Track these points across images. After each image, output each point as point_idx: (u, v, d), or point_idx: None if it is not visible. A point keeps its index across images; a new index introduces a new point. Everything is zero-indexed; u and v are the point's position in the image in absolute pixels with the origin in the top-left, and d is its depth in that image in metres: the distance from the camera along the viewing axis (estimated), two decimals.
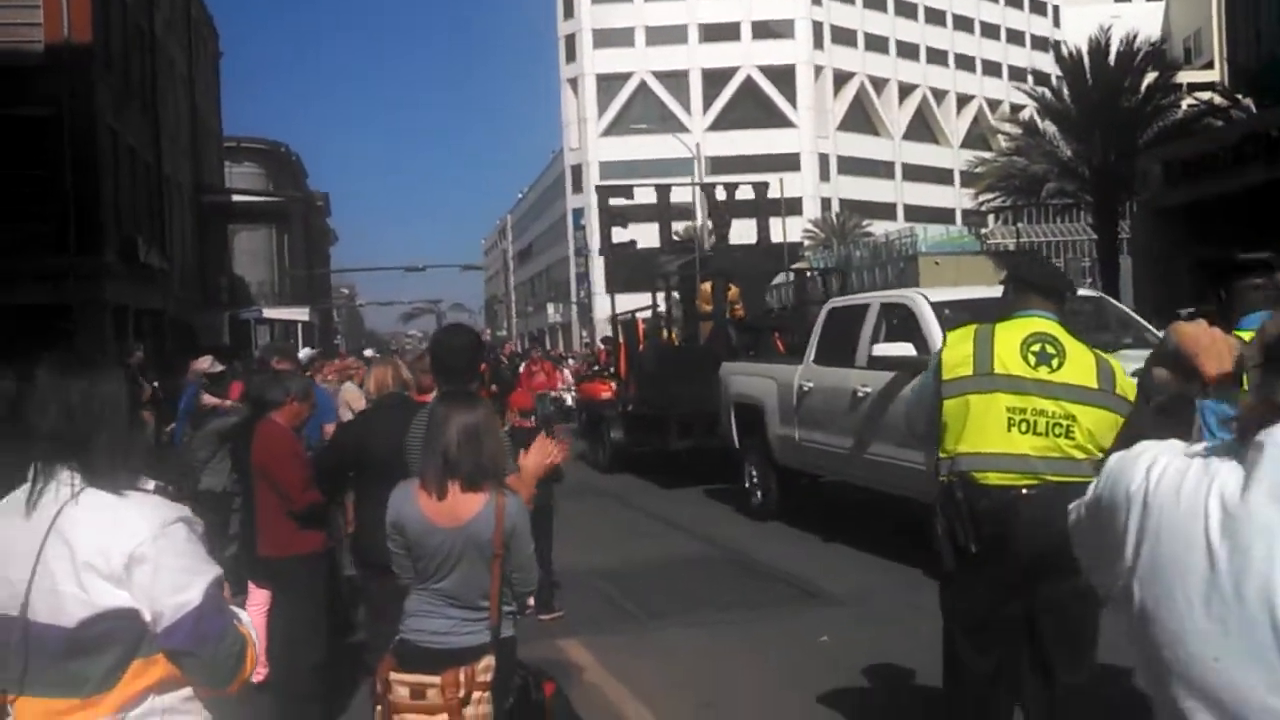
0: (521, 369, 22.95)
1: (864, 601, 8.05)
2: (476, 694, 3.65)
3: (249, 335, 39.89)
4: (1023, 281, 3.96)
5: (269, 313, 43.59)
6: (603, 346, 25.62)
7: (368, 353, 22.78)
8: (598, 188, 19.82)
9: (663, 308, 17.29)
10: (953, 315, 7.79)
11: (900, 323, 8.88)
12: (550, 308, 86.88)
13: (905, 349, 8.12)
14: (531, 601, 7.85)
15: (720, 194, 19.29)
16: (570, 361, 34.77)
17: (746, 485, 11.74)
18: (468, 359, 4.50)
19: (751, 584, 9.01)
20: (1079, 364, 3.80)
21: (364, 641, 5.72)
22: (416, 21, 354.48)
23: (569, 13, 79.54)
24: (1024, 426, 3.72)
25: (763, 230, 18.85)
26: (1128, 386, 3.82)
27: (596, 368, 24.20)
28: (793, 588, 8.74)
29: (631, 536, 11.33)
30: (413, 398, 5.31)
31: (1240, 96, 29.06)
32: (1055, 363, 3.77)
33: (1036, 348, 3.78)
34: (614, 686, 6.36)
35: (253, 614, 4.36)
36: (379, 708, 3.78)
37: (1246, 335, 3.99)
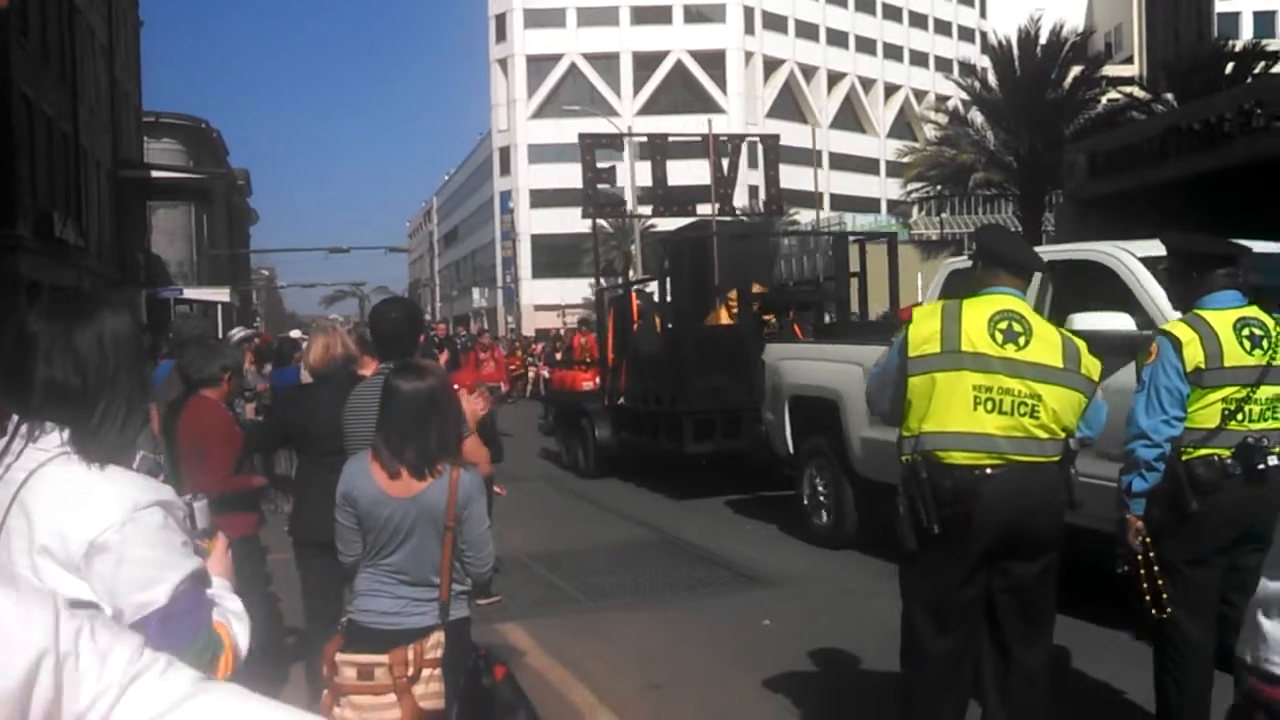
0: (468, 355, 21.30)
1: (804, 584, 8.08)
2: (426, 671, 3.58)
3: (167, 315, 38.95)
4: (992, 257, 3.92)
5: (188, 292, 42.60)
6: (578, 329, 23.80)
7: (293, 333, 22.29)
8: (581, 136, 16.75)
9: (643, 288, 15.33)
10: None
11: (1079, 288, 6.58)
12: (476, 292, 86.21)
13: (1121, 321, 5.83)
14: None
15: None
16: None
17: (805, 502, 9.55)
18: (407, 330, 4.43)
19: (691, 567, 8.96)
20: (1045, 343, 3.77)
21: (298, 625, 5.55)
22: None
23: None
24: (989, 405, 3.68)
25: (773, 188, 16.59)
26: (1092, 366, 3.81)
27: (556, 355, 23.27)
28: (732, 571, 8.71)
29: (568, 521, 11.23)
30: (356, 371, 5.15)
31: (1159, 91, 29.69)
32: (1022, 340, 3.73)
33: (1004, 325, 3.74)
34: (557, 670, 6.27)
35: None
36: (326, 690, 3.66)
37: (1211, 312, 4.02)
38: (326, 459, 4.60)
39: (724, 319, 12.62)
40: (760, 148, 17.19)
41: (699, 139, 16.99)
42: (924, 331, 3.80)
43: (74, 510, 1.86)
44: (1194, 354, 3.94)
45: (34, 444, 1.90)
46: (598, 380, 15.01)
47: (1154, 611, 4.02)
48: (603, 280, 17.69)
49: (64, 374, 1.92)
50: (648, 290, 15.49)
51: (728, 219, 16.16)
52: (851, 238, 14.27)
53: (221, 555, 2.23)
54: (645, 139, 17.94)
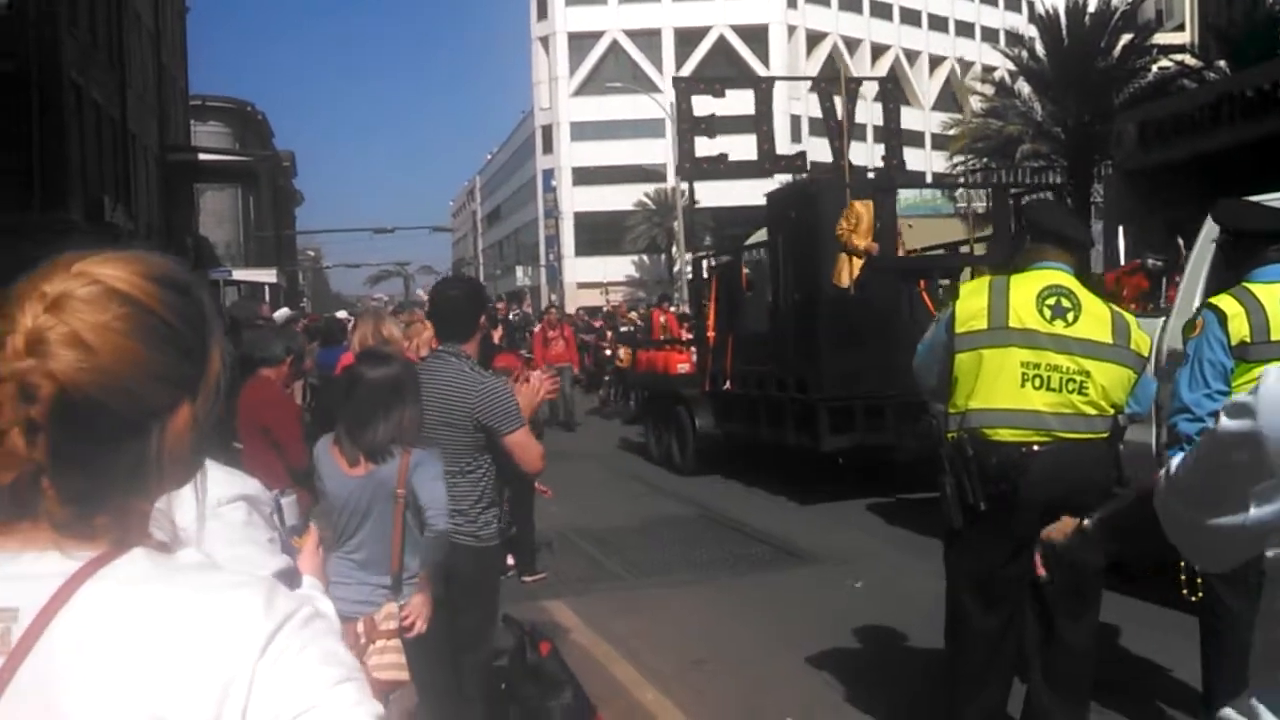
0: (534, 333, 19.15)
1: (851, 562, 8.04)
2: (380, 643, 3.62)
3: (217, 296, 39.42)
4: (1040, 232, 3.87)
5: (236, 274, 43.04)
6: (668, 308, 21.37)
7: (340, 314, 22.42)
8: (675, 79, 14.94)
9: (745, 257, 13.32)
10: None
11: None
12: (519, 270, 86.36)
13: None
14: (511, 560, 7.85)
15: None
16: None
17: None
18: (466, 309, 4.31)
19: (731, 543, 8.98)
20: (1094, 318, 3.72)
21: None
22: None
23: None
24: (1038, 382, 3.64)
25: (893, 139, 13.74)
26: (1142, 342, 3.76)
27: (628, 332, 20.89)
28: (777, 549, 8.71)
29: (613, 497, 11.27)
30: (397, 355, 5.16)
31: (1212, 59, 29.12)
32: (1071, 316, 3.68)
33: (1052, 301, 3.70)
34: (602, 646, 6.30)
35: None
36: None
37: (1259, 286, 3.95)
38: None
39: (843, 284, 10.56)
40: (880, 92, 14.34)
41: (808, 81, 15.70)
42: (971, 307, 3.76)
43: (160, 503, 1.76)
44: (1239, 327, 3.87)
45: None
46: (694, 362, 13.34)
47: (1185, 592, 3.96)
48: (678, 255, 16.72)
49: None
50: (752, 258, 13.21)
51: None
52: (1013, 189, 12.65)
53: (312, 553, 2.14)
54: (748, 85, 14.80)
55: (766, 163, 13.36)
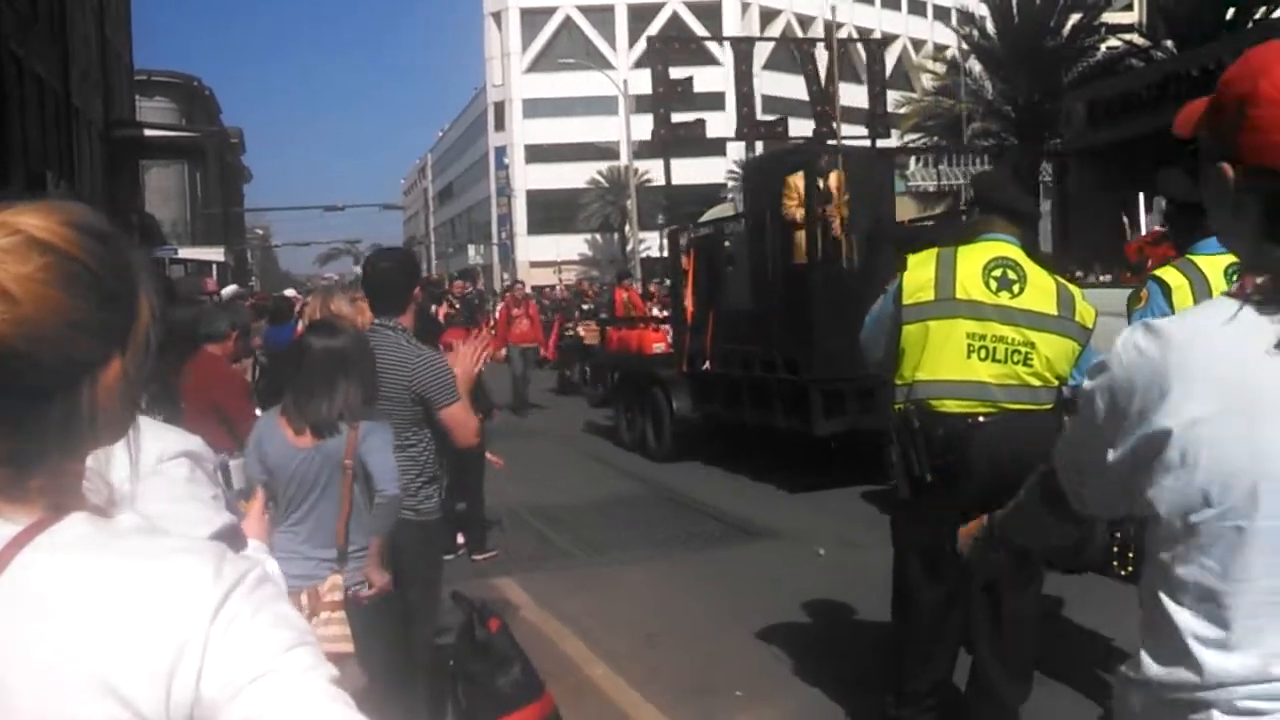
0: (497, 311, 18.29)
1: (802, 538, 8.05)
2: (325, 614, 3.59)
3: (163, 274, 38.85)
4: (988, 204, 3.88)
5: (183, 252, 42.48)
6: (630, 285, 20.09)
7: (288, 292, 22.10)
8: (650, 39, 13.68)
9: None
10: None
11: None
12: (471, 249, 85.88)
13: None
14: (461, 538, 7.81)
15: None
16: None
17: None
18: (398, 280, 4.27)
19: (685, 521, 8.98)
20: (1040, 290, 3.74)
21: None
22: None
23: None
24: (983, 353, 3.66)
25: (879, 106, 13.00)
26: (1086, 313, 3.78)
27: (590, 309, 20.18)
28: (726, 524, 8.72)
29: (564, 474, 11.23)
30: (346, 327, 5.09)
31: (1160, 39, 29.45)
32: (1016, 288, 3.70)
33: (998, 272, 3.71)
34: (552, 623, 6.29)
35: None
36: None
37: (1203, 258, 3.98)
38: None
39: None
40: (862, 53, 13.20)
41: (789, 42, 14.78)
42: (918, 279, 3.77)
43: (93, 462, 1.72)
44: (1184, 299, 3.90)
45: None
46: (670, 341, 12.47)
47: (1115, 564, 4.01)
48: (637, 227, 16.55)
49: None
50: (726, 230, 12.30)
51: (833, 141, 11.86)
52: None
53: (258, 516, 2.14)
54: (727, 42, 13.88)
55: (746, 128, 12.36)
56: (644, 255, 52.02)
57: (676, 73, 12.57)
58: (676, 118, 12.51)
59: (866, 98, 13.06)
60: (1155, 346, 1.42)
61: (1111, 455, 1.46)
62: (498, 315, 17.46)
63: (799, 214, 9.71)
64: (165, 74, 50.75)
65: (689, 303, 11.54)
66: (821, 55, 12.64)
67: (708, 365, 11.07)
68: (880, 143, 13.19)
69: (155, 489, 1.70)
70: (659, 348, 12.93)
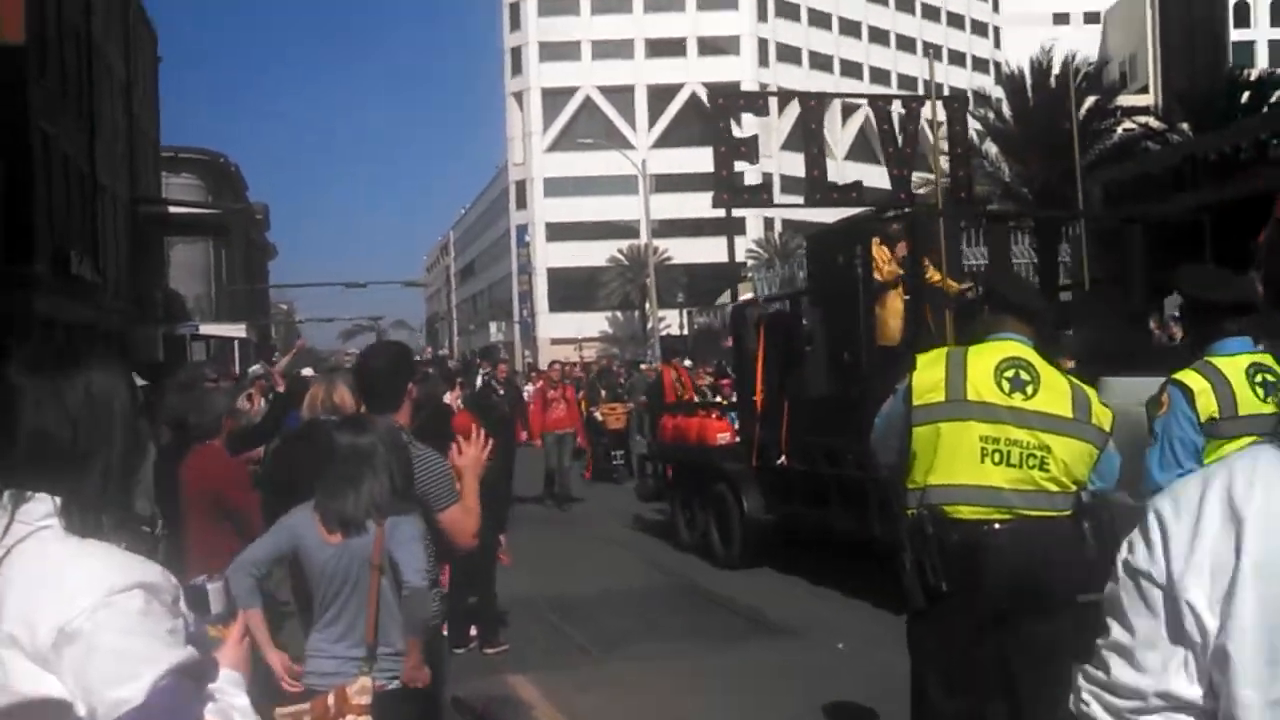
0: (531, 395, 16.61)
1: (823, 634, 7.83)
2: (350, 717, 3.51)
3: (184, 351, 39.10)
4: (998, 302, 3.79)
5: (205, 328, 42.77)
6: (679, 363, 17.20)
7: (306, 372, 21.98)
8: (712, 92, 12.45)
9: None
10: None
11: None
12: (492, 326, 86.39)
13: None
14: (473, 631, 7.65)
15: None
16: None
17: None
18: (388, 381, 4.18)
19: (704, 615, 8.77)
20: (1054, 391, 3.63)
21: None
22: (360, 32, 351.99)
23: (515, 25, 79.36)
24: (997, 457, 3.55)
25: (960, 168, 11.83)
26: (1103, 416, 3.67)
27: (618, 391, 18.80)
28: (745, 618, 8.52)
29: (577, 563, 11.06)
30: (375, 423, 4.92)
31: (1175, 121, 29.61)
32: (1030, 390, 3.60)
33: (1010, 373, 3.61)
34: None
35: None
36: None
37: (1222, 359, 3.88)
38: None
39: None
40: (941, 113, 11.74)
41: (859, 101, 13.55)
42: (929, 379, 3.67)
43: (43, 594, 1.65)
44: (1207, 404, 3.80)
45: (18, 518, 1.71)
46: (737, 430, 11.04)
47: None
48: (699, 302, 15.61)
49: (51, 425, 1.75)
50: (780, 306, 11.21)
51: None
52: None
53: (236, 644, 2.03)
54: (793, 97, 13.38)
55: (818, 193, 10.99)
56: (664, 333, 52.20)
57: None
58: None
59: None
60: None
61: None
62: (531, 400, 15.93)
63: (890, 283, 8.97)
64: (192, 150, 51.48)
65: (759, 387, 10.21)
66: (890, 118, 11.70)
67: (783, 460, 9.78)
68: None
69: (107, 622, 1.63)
70: (723, 438, 11.19)
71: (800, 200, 11.38)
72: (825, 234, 10.19)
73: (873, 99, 12.53)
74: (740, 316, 11.40)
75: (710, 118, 11.29)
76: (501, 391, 14.39)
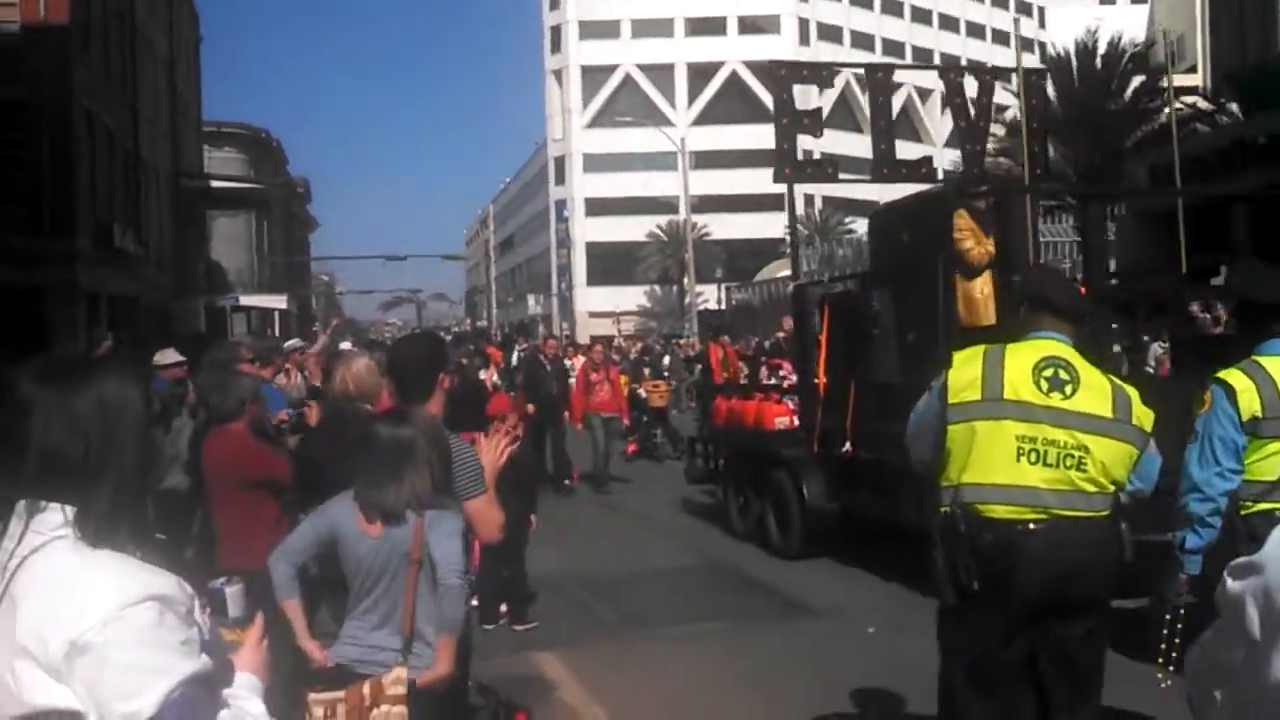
0: (574, 376, 16.02)
1: (854, 617, 7.81)
2: (385, 708, 3.51)
3: (225, 322, 39.43)
4: (1038, 300, 3.73)
5: (246, 300, 43.05)
6: (725, 340, 17.10)
7: (345, 345, 22.00)
8: (773, 64, 10.81)
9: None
10: None
11: None
12: (531, 299, 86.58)
13: None
14: (504, 608, 7.68)
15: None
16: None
17: None
18: (420, 371, 4.16)
19: (734, 595, 8.77)
20: (1094, 391, 3.57)
21: None
22: (401, 8, 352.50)
23: (555, 3, 79.15)
24: (1034, 457, 3.50)
25: (1035, 143, 10.82)
26: (1144, 416, 3.60)
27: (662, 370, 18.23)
28: (775, 599, 8.51)
29: (607, 542, 11.08)
30: (362, 410, 4.79)
31: (1224, 102, 29.05)
32: (1069, 389, 3.54)
33: (1049, 372, 3.55)
34: (590, 707, 6.13)
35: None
36: None
37: (1269, 359, 3.80)
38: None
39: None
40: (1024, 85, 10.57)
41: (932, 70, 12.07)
42: (964, 377, 3.62)
43: (55, 606, 1.66)
44: (1250, 402, 3.73)
45: (32, 527, 1.72)
46: (797, 414, 10.53)
47: (1169, 669, 3.80)
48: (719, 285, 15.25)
49: (62, 439, 1.75)
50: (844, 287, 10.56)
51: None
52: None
53: (254, 647, 2.02)
54: (859, 71, 11.66)
55: (885, 167, 10.40)
56: (701, 308, 52.07)
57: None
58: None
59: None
60: None
61: (1276, 668, 1.32)
62: (575, 381, 15.46)
63: (982, 260, 8.21)
64: (234, 125, 51.86)
65: (822, 371, 9.73)
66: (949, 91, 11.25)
67: (848, 448, 9.29)
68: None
69: (119, 635, 1.64)
70: (782, 422, 10.70)
71: (865, 176, 10.87)
72: (897, 209, 9.50)
73: (944, 71, 12.00)
74: (802, 296, 10.85)
75: (776, 89, 10.48)
76: (549, 368, 14.18)
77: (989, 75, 11.44)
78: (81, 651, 1.63)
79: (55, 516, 1.73)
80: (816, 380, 9.78)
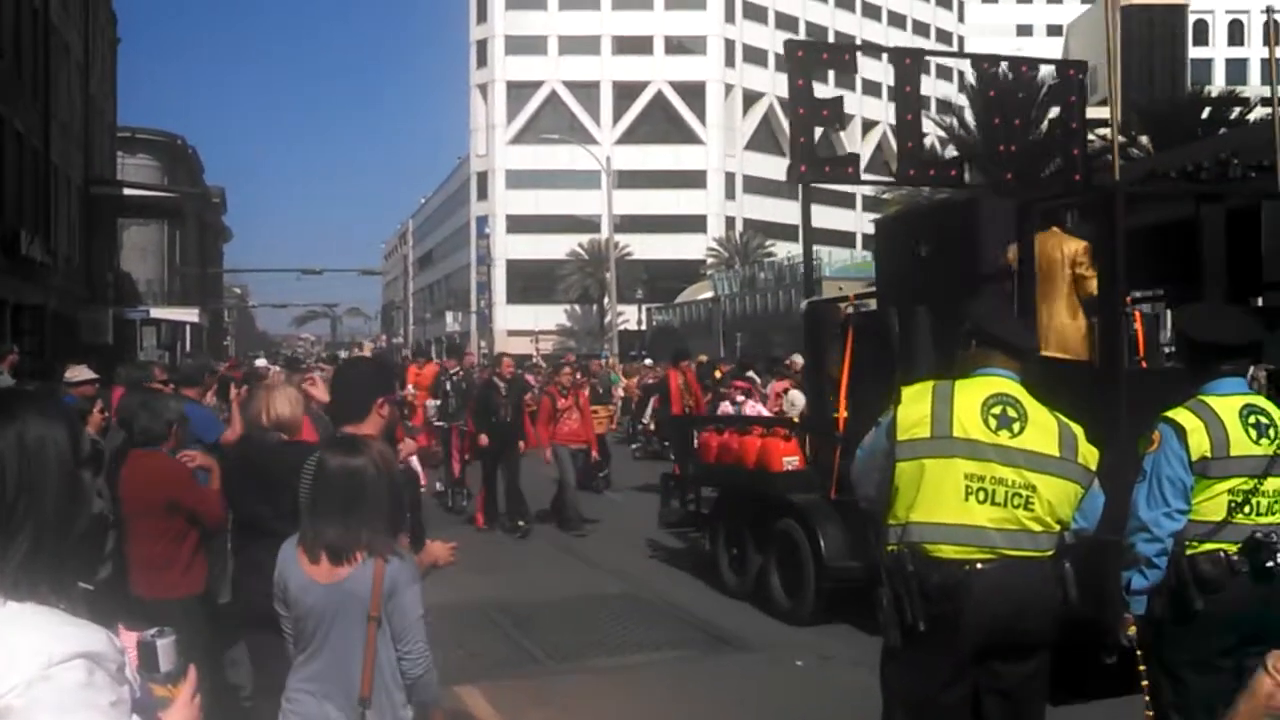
0: (541, 403, 13.59)
1: (781, 649, 7.73)
2: None
3: (135, 335, 38.45)
4: (985, 338, 3.71)
5: (156, 312, 41.94)
6: (687, 366, 16.08)
7: (259, 362, 21.57)
8: (788, 44, 9.00)
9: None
10: None
11: None
12: (449, 316, 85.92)
13: None
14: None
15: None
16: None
17: None
18: (359, 393, 4.01)
19: (662, 627, 8.60)
20: (1041, 429, 3.55)
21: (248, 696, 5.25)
22: (325, 18, 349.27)
23: (482, 17, 78.89)
24: (982, 495, 3.46)
25: (1076, 143, 8.92)
26: (1090, 455, 3.60)
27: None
28: (704, 632, 8.38)
29: (534, 569, 10.86)
30: (274, 439, 4.60)
31: (1134, 134, 29.87)
32: (1016, 427, 3.51)
33: (998, 410, 3.53)
34: None
35: None
36: None
37: (1215, 398, 3.81)
38: (251, 533, 4.40)
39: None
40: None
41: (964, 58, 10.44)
42: (913, 414, 3.57)
43: None
44: (1199, 443, 3.74)
45: None
46: (807, 453, 8.94)
47: (1148, 714, 3.80)
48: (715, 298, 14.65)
49: None
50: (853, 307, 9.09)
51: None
52: None
53: (185, 705, 1.91)
54: (886, 54, 10.10)
55: (912, 167, 8.92)
56: (621, 328, 52.09)
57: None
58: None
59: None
60: None
61: None
62: (539, 407, 13.52)
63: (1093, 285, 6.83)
64: (149, 131, 50.69)
65: (843, 404, 8.31)
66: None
67: None
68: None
69: (44, 697, 1.50)
70: (791, 462, 8.94)
71: (889, 178, 9.95)
72: (960, 212, 7.86)
73: (976, 59, 11.01)
74: (817, 318, 9.14)
75: (793, 74, 8.99)
76: (505, 392, 12.87)
77: (1025, 67, 10.18)
78: (3, 716, 1.50)
79: None
80: (835, 414, 8.41)
